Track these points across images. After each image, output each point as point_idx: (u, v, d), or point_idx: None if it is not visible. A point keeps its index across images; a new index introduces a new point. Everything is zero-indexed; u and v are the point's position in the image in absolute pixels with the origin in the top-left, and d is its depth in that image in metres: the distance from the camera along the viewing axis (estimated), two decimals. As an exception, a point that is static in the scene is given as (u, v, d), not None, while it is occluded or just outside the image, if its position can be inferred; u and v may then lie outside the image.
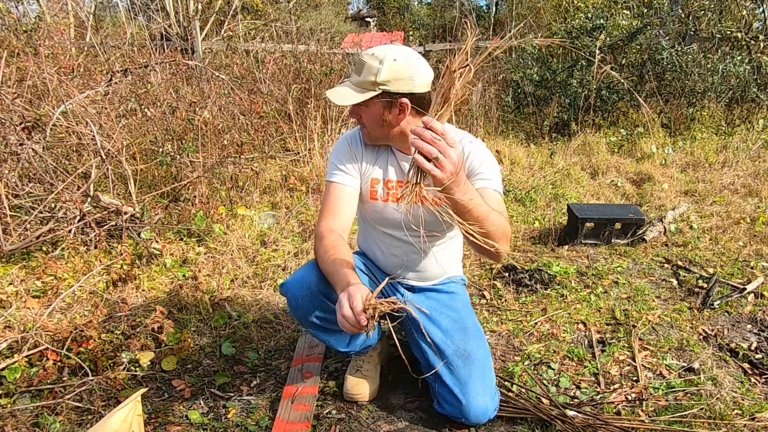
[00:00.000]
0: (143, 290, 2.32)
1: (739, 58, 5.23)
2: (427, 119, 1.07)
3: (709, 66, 5.26)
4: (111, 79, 3.78)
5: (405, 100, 1.40)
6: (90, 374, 1.71)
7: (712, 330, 2.07)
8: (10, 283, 2.27)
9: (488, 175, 1.46)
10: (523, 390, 1.70)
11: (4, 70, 3.00)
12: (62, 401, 1.60)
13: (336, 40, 7.37)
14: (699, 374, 1.78)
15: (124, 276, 2.35)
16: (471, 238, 1.17)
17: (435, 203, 1.13)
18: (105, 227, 2.57)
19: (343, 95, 1.41)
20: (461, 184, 1.14)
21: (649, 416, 1.58)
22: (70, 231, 2.48)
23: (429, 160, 1.06)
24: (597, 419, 1.53)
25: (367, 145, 1.58)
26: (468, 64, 1.05)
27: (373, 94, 1.39)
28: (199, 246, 2.72)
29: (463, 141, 1.52)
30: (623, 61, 5.40)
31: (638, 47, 5.37)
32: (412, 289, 1.73)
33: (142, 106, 3.47)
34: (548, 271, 2.56)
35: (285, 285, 1.52)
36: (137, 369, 1.79)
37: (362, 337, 1.66)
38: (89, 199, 2.59)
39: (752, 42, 5.54)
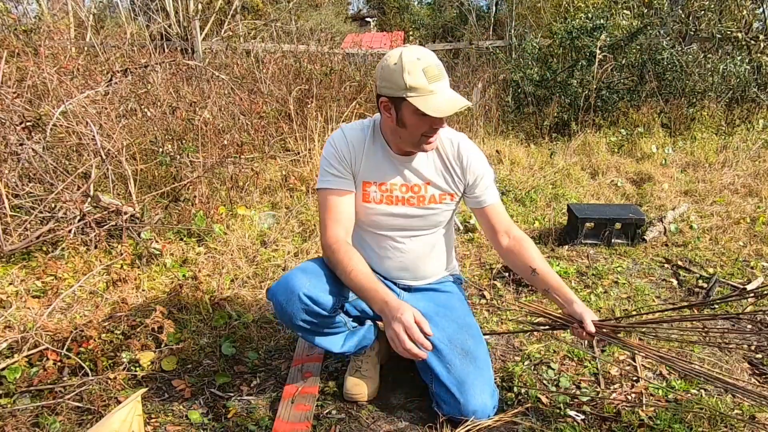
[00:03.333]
0: (143, 290, 2.32)
1: (739, 58, 5.23)
2: None
3: (709, 66, 5.26)
4: (111, 79, 3.78)
5: None
6: (90, 374, 1.71)
7: (712, 330, 2.07)
8: (10, 283, 2.27)
9: (491, 179, 1.54)
10: (523, 390, 1.70)
11: (4, 70, 3.00)
12: (62, 401, 1.60)
13: (336, 40, 7.38)
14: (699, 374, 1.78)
15: (124, 276, 2.35)
16: None
17: None
18: (105, 227, 2.57)
19: (461, 98, 1.40)
20: None
21: (649, 416, 1.58)
22: (70, 231, 2.48)
23: None
24: (597, 419, 1.53)
25: (355, 147, 1.53)
26: None
27: None
28: (199, 246, 2.72)
29: (453, 140, 1.57)
30: (623, 61, 5.40)
31: (638, 47, 5.37)
32: (408, 289, 1.72)
33: (142, 106, 3.47)
34: (548, 271, 2.56)
35: (270, 291, 1.50)
36: (137, 369, 1.79)
37: (356, 338, 1.65)
38: (89, 199, 2.59)
39: (752, 42, 5.54)
